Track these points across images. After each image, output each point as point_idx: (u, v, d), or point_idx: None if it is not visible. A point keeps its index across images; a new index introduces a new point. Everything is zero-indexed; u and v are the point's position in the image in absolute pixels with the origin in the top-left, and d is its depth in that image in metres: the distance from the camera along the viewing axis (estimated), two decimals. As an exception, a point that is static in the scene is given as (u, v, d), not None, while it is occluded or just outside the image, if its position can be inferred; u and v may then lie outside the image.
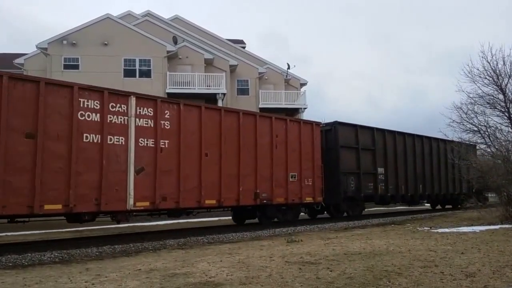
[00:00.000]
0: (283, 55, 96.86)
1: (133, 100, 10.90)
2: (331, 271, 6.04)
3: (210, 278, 5.71)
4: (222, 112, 13.14)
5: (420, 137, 22.05)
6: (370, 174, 18.37)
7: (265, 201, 13.92)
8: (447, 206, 26.07)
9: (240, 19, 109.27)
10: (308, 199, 15.40)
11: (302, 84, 37.04)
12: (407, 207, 26.93)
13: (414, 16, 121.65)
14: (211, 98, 29.60)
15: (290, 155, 14.76)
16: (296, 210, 15.86)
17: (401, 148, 20.34)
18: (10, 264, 7.66)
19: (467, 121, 17.20)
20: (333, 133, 17.29)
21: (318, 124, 16.35)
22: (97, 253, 8.86)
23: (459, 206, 24.59)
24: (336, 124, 17.32)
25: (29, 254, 8.43)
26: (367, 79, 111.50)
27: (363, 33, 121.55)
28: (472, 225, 13.32)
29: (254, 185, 13.66)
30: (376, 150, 18.76)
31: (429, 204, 26.84)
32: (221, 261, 7.16)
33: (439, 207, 26.15)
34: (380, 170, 18.80)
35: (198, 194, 12.12)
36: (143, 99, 11.22)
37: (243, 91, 33.00)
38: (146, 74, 28.33)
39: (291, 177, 14.76)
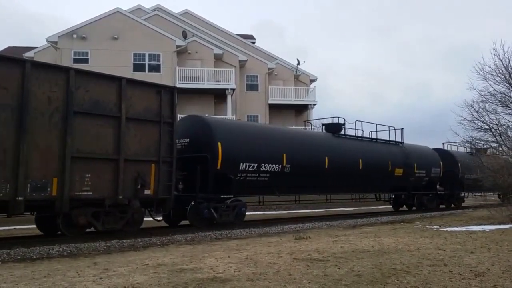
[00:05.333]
0: (279, 48, 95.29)
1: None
2: (339, 268, 6.01)
3: (217, 274, 5.71)
4: None
5: None
6: None
7: None
8: None
9: (236, 9, 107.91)
10: None
11: (312, 80, 36.87)
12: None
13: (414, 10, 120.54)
14: (220, 94, 29.59)
15: None
16: None
17: None
18: (19, 257, 7.71)
19: (478, 119, 17.05)
20: None
21: None
22: (105, 247, 8.89)
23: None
24: None
25: (37, 248, 8.46)
26: (369, 74, 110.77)
27: (363, 27, 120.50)
28: (482, 224, 13.22)
29: None
30: None
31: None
32: (228, 257, 7.15)
33: None
34: None
35: None
36: None
37: (252, 86, 32.90)
38: (155, 68, 28.37)
39: None
